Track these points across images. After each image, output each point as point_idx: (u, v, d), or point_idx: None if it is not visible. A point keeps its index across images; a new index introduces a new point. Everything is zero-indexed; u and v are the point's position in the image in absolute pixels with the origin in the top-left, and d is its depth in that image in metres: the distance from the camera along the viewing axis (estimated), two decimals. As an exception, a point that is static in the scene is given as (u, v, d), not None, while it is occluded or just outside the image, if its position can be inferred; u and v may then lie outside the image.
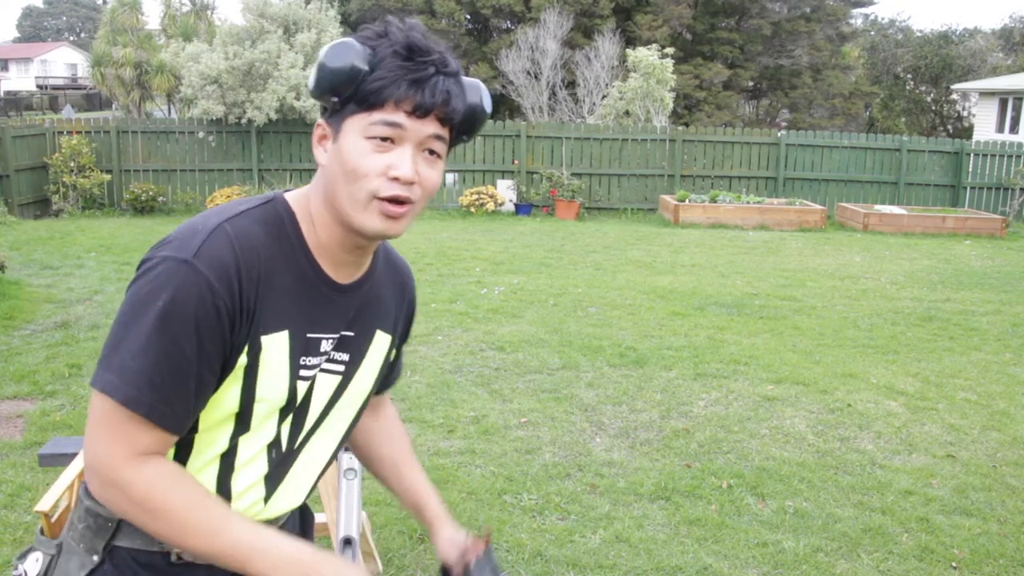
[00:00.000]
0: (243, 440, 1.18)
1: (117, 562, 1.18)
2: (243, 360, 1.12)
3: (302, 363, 1.19)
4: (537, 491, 3.83)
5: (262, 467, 1.22)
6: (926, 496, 3.89)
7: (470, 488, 3.82)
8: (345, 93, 1.10)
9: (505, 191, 13.82)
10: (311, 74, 1.12)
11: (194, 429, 1.16)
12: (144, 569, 1.19)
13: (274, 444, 1.21)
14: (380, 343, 1.32)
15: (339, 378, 1.26)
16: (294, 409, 1.21)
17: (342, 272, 1.22)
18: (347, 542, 1.65)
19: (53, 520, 1.74)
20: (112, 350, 1.07)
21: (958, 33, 31.74)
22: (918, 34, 33.45)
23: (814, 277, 8.98)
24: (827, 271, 9.39)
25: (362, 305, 1.26)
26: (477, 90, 1.17)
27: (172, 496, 1.09)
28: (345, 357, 1.26)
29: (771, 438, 4.53)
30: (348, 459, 1.80)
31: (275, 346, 1.14)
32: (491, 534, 1.31)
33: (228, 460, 1.18)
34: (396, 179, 1.11)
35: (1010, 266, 10.18)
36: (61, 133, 12.90)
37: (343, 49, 1.09)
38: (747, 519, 3.63)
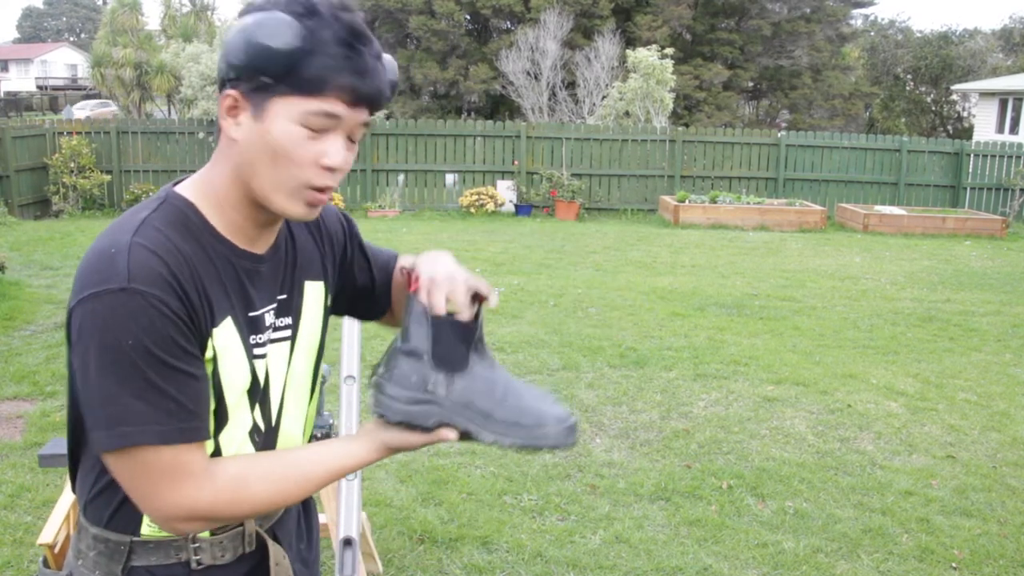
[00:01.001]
0: (224, 435, 1.17)
1: None
2: (207, 356, 1.11)
3: (252, 342, 1.17)
4: (537, 492, 3.83)
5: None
6: (926, 497, 3.89)
7: (470, 489, 3.82)
8: (279, 74, 1.04)
9: (505, 192, 13.82)
10: (235, 44, 1.04)
11: None
12: None
13: (254, 430, 1.21)
14: (312, 293, 1.30)
15: (288, 343, 1.25)
16: (260, 390, 1.21)
17: (258, 244, 1.19)
18: (347, 542, 1.65)
19: (56, 551, 1.73)
20: (110, 406, 1.02)
21: (958, 34, 31.76)
22: (918, 35, 33.47)
23: (814, 278, 8.99)
24: (827, 272, 9.39)
25: (286, 265, 1.25)
26: (394, 69, 1.15)
27: (250, 484, 1.10)
28: (288, 320, 1.24)
29: (771, 439, 4.53)
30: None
31: (225, 335, 1.13)
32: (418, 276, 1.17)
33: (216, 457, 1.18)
34: (329, 168, 1.09)
35: (1010, 267, 10.18)
36: (61, 134, 12.91)
37: (282, 27, 1.02)
38: (747, 520, 3.63)
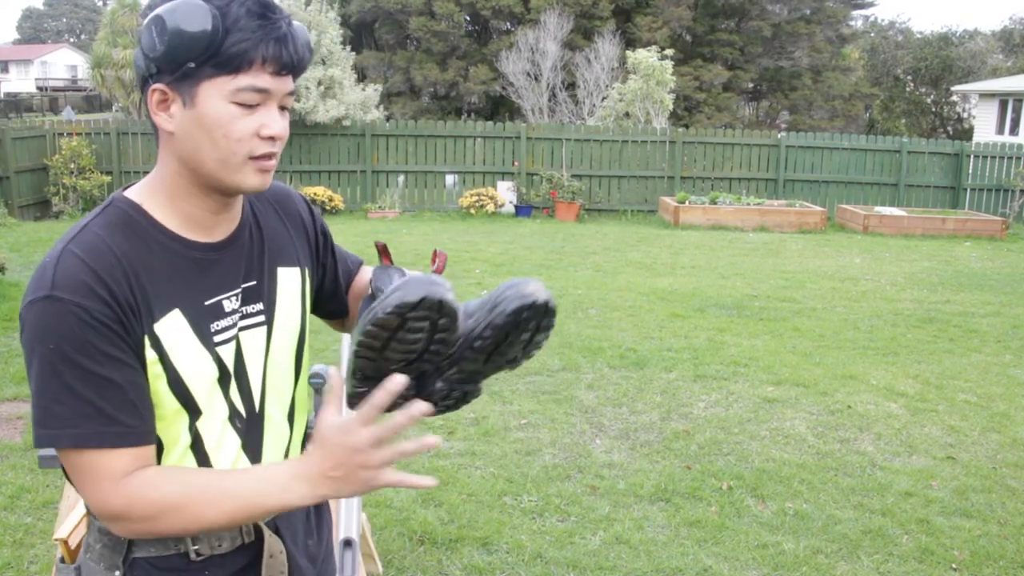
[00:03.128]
0: (201, 425, 1.17)
1: (137, 572, 1.19)
2: (151, 355, 1.11)
3: (213, 330, 1.18)
4: (537, 493, 3.83)
5: (233, 440, 1.21)
6: (926, 498, 3.89)
7: (470, 490, 3.82)
8: (201, 58, 1.05)
9: (505, 193, 13.82)
10: (150, 36, 1.06)
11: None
12: (164, 572, 1.19)
13: (233, 415, 1.21)
14: (288, 279, 1.30)
15: (264, 328, 1.25)
16: (233, 376, 1.21)
17: (216, 232, 1.20)
18: (347, 543, 1.65)
19: (73, 548, 1.75)
20: (37, 407, 1.07)
21: (958, 35, 31.76)
22: (918, 36, 33.48)
23: (814, 279, 8.99)
24: (827, 273, 9.39)
25: (251, 251, 1.25)
26: (305, 33, 1.17)
27: (166, 490, 1.09)
28: (259, 306, 1.25)
29: (771, 440, 4.53)
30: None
31: (172, 328, 1.13)
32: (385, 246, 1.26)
33: (199, 448, 1.18)
34: (269, 138, 1.11)
35: (1010, 268, 10.18)
36: (61, 135, 12.90)
37: (198, 12, 1.04)
38: (747, 521, 3.63)
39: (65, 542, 1.74)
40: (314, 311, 1.46)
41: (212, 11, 1.04)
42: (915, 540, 3.51)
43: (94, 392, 1.05)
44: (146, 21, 1.08)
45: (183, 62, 1.06)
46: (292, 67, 1.11)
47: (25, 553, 3.23)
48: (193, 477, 1.12)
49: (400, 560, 3.25)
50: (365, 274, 1.50)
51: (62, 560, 1.65)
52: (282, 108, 1.14)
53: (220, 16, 1.05)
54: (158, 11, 1.06)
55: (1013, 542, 3.52)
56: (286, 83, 1.12)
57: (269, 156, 1.13)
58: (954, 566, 3.32)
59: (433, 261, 1.24)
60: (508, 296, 1.10)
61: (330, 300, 1.46)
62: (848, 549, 3.42)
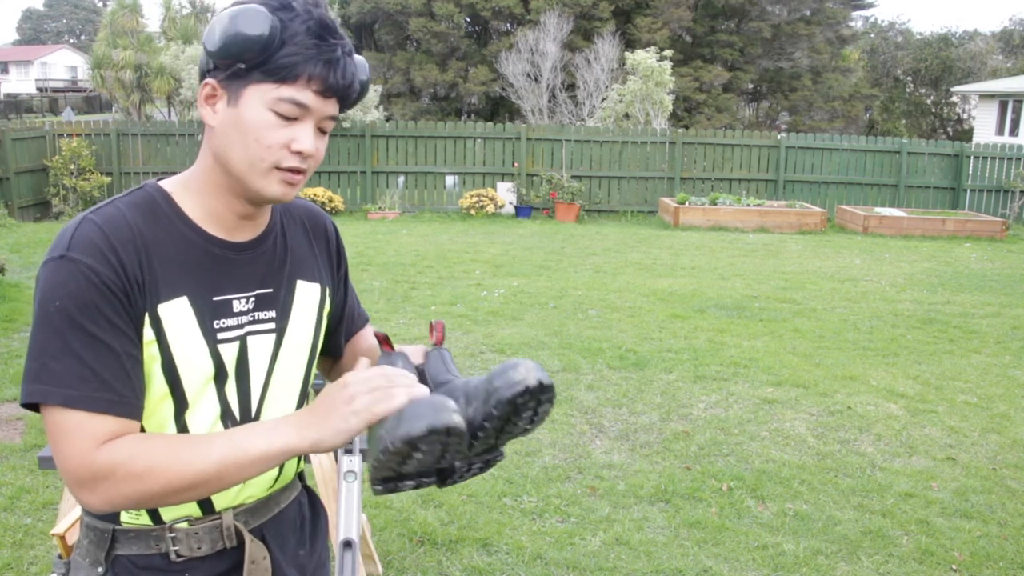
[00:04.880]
0: (189, 417, 1.18)
1: (119, 570, 1.20)
2: (149, 334, 1.12)
3: (216, 327, 1.18)
4: (537, 493, 3.83)
5: None
6: (926, 499, 3.89)
7: (470, 491, 3.82)
8: (253, 61, 1.10)
9: (505, 193, 13.82)
10: (213, 33, 1.11)
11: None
12: (144, 571, 1.20)
13: (225, 415, 1.21)
14: (306, 294, 1.31)
15: (273, 336, 1.26)
16: (231, 375, 1.21)
17: (238, 233, 1.22)
18: (347, 544, 1.64)
19: (71, 543, 1.75)
20: (34, 362, 1.08)
21: (958, 36, 31.78)
22: (918, 36, 33.49)
23: (814, 279, 8.99)
24: (827, 273, 9.39)
25: (273, 259, 1.26)
26: (365, 69, 1.20)
27: (153, 450, 1.07)
28: (272, 314, 1.26)
29: (771, 440, 4.53)
30: (348, 461, 1.79)
31: (176, 313, 1.14)
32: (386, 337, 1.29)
33: None
34: (299, 153, 1.14)
35: (1010, 268, 10.18)
36: (61, 136, 12.90)
37: (259, 17, 1.09)
38: (747, 521, 3.63)
39: (62, 538, 1.75)
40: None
41: (273, 21, 1.09)
42: (915, 541, 3.51)
43: (93, 356, 1.07)
44: (214, 18, 1.13)
45: (235, 62, 1.11)
46: (337, 91, 1.14)
47: (25, 554, 3.23)
48: (178, 436, 1.13)
49: (400, 561, 3.25)
50: (367, 336, 1.50)
51: (59, 556, 1.67)
52: (321, 131, 1.17)
53: (280, 27, 1.09)
54: (227, 10, 1.11)
55: (1013, 543, 3.52)
56: (329, 106, 1.14)
57: (297, 171, 1.15)
58: (954, 567, 3.32)
59: (431, 333, 1.27)
60: (500, 387, 1.10)
61: (328, 335, 1.43)
62: (848, 550, 3.42)
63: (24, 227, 11.27)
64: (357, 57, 1.17)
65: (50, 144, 12.79)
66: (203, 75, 1.16)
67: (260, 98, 1.11)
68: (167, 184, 1.21)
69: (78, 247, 1.08)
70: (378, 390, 1.05)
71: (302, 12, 1.11)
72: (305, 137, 1.13)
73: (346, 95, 1.15)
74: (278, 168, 1.14)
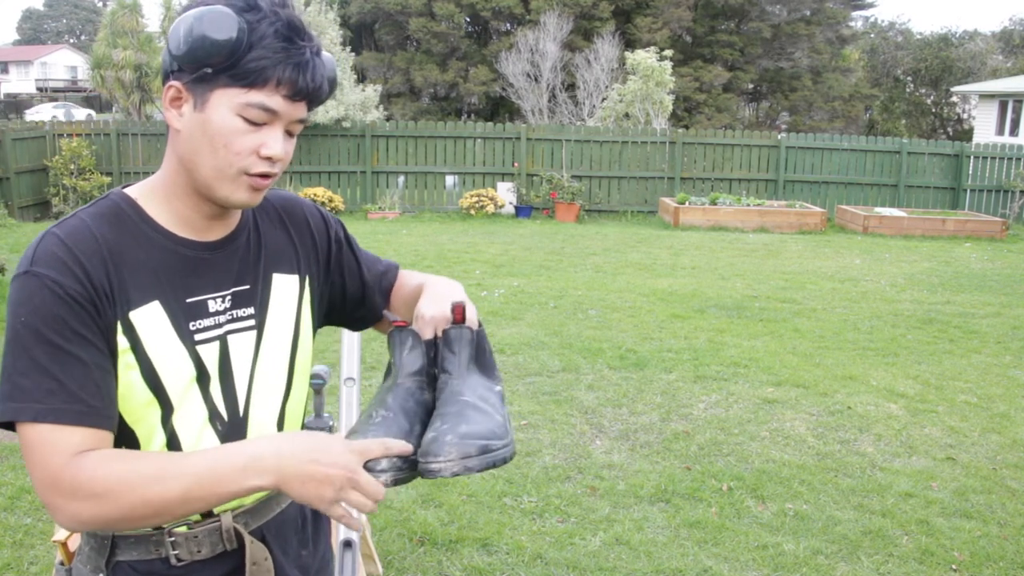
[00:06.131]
0: (177, 423, 1.17)
1: None
2: (123, 342, 1.11)
3: (192, 328, 1.17)
4: (537, 493, 3.83)
5: (213, 442, 1.20)
6: (926, 499, 3.89)
7: (470, 491, 3.82)
8: (220, 65, 1.07)
9: (505, 193, 13.82)
10: (178, 34, 1.07)
11: (127, 428, 1.14)
12: None
13: (214, 416, 1.20)
14: (284, 286, 1.29)
15: (254, 333, 1.25)
16: (215, 376, 1.20)
17: (208, 233, 1.20)
18: (347, 544, 1.64)
19: (72, 550, 1.75)
20: (6, 382, 1.06)
21: (958, 35, 31.78)
22: (918, 36, 33.51)
23: (814, 279, 8.99)
24: (827, 273, 9.39)
25: (247, 255, 1.25)
26: (333, 67, 1.18)
27: (116, 467, 1.05)
28: (250, 311, 1.24)
29: (771, 440, 4.53)
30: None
31: (149, 319, 1.13)
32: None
33: (175, 448, 1.17)
34: (268, 158, 1.12)
35: (1010, 268, 10.18)
36: (61, 136, 12.91)
37: (226, 20, 1.05)
38: (747, 521, 3.63)
39: (64, 544, 1.75)
40: (338, 319, 1.44)
41: (240, 23, 1.06)
42: (915, 541, 3.51)
43: (59, 368, 1.05)
44: (178, 19, 1.10)
45: (202, 65, 1.08)
46: (307, 94, 1.12)
47: (25, 554, 3.23)
48: (146, 456, 1.10)
49: (400, 561, 3.25)
50: (407, 282, 1.46)
51: (61, 563, 1.66)
52: (289, 133, 1.15)
53: (247, 30, 1.06)
54: (191, 12, 1.07)
55: (1013, 543, 3.52)
56: (298, 109, 1.12)
57: (265, 176, 1.14)
58: (954, 567, 3.32)
59: (457, 317, 1.25)
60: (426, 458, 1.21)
61: (357, 307, 1.43)
62: (848, 550, 3.42)
63: (24, 227, 11.28)
64: (325, 55, 1.15)
65: (50, 144, 12.79)
66: (167, 76, 1.12)
67: (228, 103, 1.08)
68: (132, 191, 1.19)
69: (41, 261, 1.07)
70: (349, 493, 1.10)
71: (269, 13, 1.08)
72: (274, 142, 1.11)
73: (315, 97, 1.14)
74: (247, 174, 1.12)
